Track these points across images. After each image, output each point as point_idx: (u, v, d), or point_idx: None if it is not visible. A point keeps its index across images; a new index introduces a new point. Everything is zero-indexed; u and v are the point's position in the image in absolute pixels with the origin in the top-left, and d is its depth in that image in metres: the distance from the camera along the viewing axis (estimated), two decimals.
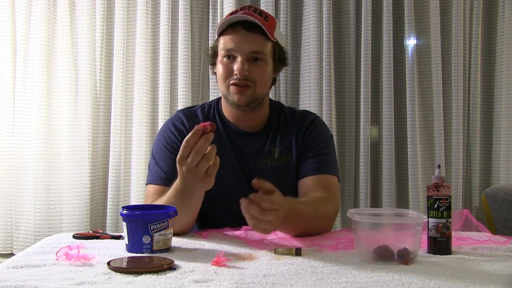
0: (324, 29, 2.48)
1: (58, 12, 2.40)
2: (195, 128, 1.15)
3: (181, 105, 2.42)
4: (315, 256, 1.11)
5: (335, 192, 1.53)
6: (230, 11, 1.52)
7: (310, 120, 1.59)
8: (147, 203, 1.44)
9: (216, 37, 1.51)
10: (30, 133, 2.35)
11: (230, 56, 1.45)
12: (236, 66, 1.43)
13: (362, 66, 2.51)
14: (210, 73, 2.42)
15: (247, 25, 1.44)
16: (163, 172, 1.45)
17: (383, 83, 2.53)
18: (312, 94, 2.48)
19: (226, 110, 1.56)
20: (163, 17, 2.44)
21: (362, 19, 2.52)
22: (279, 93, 2.52)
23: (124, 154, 2.44)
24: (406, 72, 2.54)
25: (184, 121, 1.53)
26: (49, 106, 2.38)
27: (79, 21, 2.43)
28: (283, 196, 1.16)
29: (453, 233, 1.16)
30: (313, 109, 2.46)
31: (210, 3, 2.52)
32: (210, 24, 2.51)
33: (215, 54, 1.52)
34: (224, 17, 1.53)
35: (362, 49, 2.51)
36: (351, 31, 2.54)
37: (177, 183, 1.25)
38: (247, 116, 1.54)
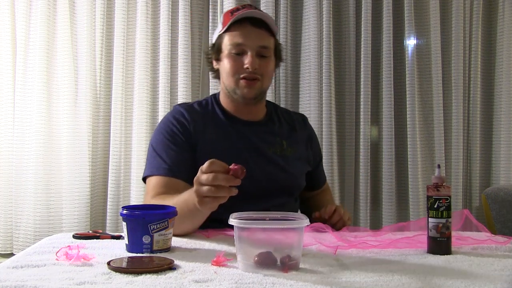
0: (324, 29, 2.48)
1: (58, 12, 2.40)
2: (228, 168, 1.06)
3: None
4: (315, 256, 1.11)
5: None
6: (229, 9, 1.53)
7: (310, 125, 1.76)
8: (150, 195, 1.40)
9: (221, 32, 1.51)
10: (30, 133, 2.35)
11: (238, 52, 1.48)
12: (247, 60, 1.46)
13: (362, 66, 2.51)
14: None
15: (254, 21, 1.48)
16: (165, 163, 1.42)
17: (383, 83, 2.53)
18: (312, 94, 2.48)
19: (227, 104, 1.58)
20: (163, 17, 2.44)
21: (362, 19, 2.52)
22: (279, 93, 2.52)
23: (124, 154, 2.44)
24: (406, 72, 2.54)
25: (185, 114, 1.52)
26: (49, 106, 2.38)
27: (79, 21, 2.43)
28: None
29: (453, 233, 1.16)
30: (313, 109, 2.46)
31: (210, 3, 2.52)
32: (210, 24, 2.51)
33: (218, 50, 1.53)
34: (222, 15, 1.54)
35: (362, 49, 2.51)
36: (351, 31, 2.54)
37: (188, 197, 1.19)
38: (248, 109, 1.57)
